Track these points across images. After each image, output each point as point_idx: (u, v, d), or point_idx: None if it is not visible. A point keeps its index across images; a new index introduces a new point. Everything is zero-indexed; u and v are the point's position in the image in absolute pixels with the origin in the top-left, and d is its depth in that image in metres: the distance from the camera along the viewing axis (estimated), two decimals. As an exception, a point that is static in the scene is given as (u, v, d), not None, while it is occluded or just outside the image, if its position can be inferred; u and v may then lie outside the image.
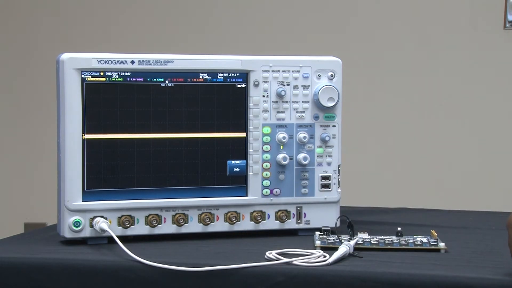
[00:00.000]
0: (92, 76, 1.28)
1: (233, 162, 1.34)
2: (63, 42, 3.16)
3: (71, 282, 1.15)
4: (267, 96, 1.35)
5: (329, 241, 1.24)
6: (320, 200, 1.37)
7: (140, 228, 1.30)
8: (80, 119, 1.27)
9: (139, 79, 1.30)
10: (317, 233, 1.29)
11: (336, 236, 1.24)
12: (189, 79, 1.32)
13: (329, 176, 1.38)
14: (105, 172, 1.29)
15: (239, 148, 1.34)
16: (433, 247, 1.23)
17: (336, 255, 1.15)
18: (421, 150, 2.85)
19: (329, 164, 1.37)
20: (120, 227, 1.29)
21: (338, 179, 1.38)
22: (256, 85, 1.34)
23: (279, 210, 1.36)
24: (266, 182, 1.35)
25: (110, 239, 1.24)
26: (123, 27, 3.19)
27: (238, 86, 1.34)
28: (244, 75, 1.34)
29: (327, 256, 1.15)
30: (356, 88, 2.72)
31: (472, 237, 1.36)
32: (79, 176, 1.27)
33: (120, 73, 1.29)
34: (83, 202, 1.28)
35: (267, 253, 1.17)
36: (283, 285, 1.11)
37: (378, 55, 2.90)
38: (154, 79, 1.30)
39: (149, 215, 1.30)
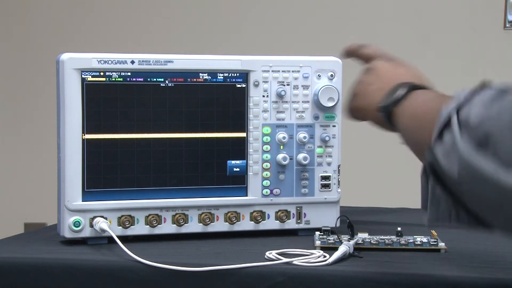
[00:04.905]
0: (92, 76, 1.28)
1: (233, 162, 1.34)
2: (63, 42, 3.17)
3: (71, 282, 1.15)
4: (267, 96, 1.35)
5: (329, 241, 1.24)
6: (320, 200, 1.37)
7: (140, 228, 1.30)
8: (80, 119, 1.27)
9: (139, 79, 1.30)
10: (317, 233, 1.29)
11: (336, 236, 1.24)
12: (189, 79, 1.32)
13: (329, 176, 1.37)
14: (105, 172, 1.29)
15: (239, 148, 1.34)
16: (433, 247, 1.23)
17: (336, 255, 1.15)
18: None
19: (329, 164, 1.37)
20: (120, 227, 1.29)
21: (338, 179, 1.38)
22: (256, 85, 1.34)
23: (279, 210, 1.36)
24: (266, 182, 1.35)
25: (110, 239, 1.24)
26: (123, 27, 3.19)
27: (238, 86, 1.34)
28: (244, 75, 1.34)
29: (327, 256, 1.15)
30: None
31: (472, 237, 1.36)
32: (79, 176, 1.27)
33: (120, 73, 1.29)
34: (83, 202, 1.27)
35: (267, 253, 1.17)
36: (283, 285, 1.11)
37: (378, 55, 2.89)
38: (154, 79, 1.30)
39: (149, 215, 1.30)
